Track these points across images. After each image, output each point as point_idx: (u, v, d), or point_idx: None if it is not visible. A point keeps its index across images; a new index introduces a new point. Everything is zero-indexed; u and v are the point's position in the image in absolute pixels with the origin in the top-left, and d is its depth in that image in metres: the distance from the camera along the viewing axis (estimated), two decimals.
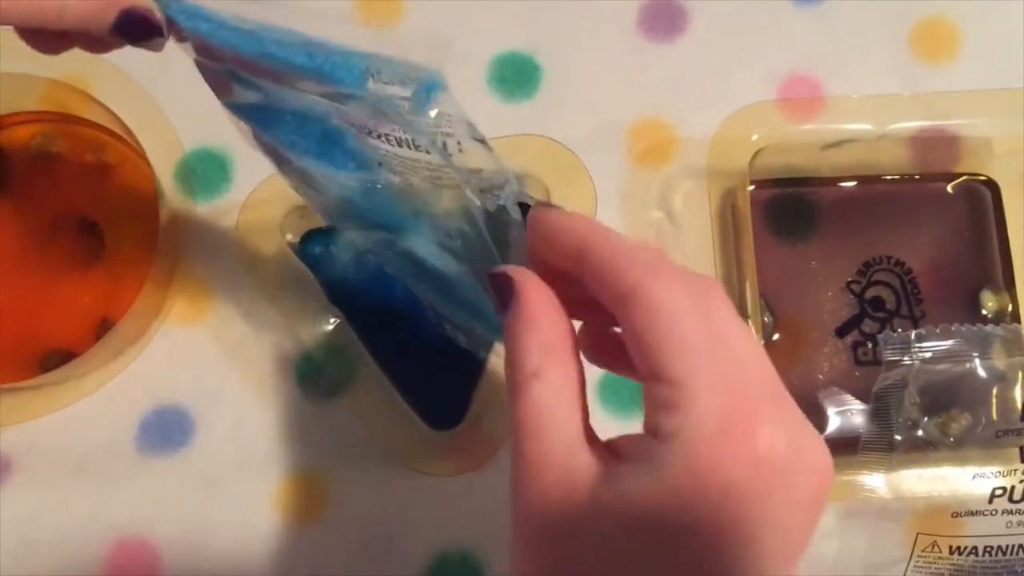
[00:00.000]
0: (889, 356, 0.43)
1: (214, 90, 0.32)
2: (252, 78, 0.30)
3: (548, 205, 0.30)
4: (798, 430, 0.26)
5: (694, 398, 0.25)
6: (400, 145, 0.30)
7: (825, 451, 0.27)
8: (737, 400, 0.25)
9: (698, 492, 0.25)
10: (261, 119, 0.32)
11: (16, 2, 0.28)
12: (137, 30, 0.30)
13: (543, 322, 0.28)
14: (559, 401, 0.27)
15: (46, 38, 0.31)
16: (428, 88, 0.28)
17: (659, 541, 0.25)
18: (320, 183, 0.34)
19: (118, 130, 0.47)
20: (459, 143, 0.29)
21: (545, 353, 0.28)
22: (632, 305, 0.27)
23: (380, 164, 0.31)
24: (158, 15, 0.30)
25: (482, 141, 0.30)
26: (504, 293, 0.29)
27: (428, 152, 0.30)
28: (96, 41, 0.31)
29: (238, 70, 0.30)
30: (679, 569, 0.25)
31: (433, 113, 0.28)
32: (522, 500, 0.27)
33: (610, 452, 0.27)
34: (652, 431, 0.26)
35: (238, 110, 0.33)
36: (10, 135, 0.48)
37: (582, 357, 0.29)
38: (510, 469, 0.29)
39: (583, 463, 0.27)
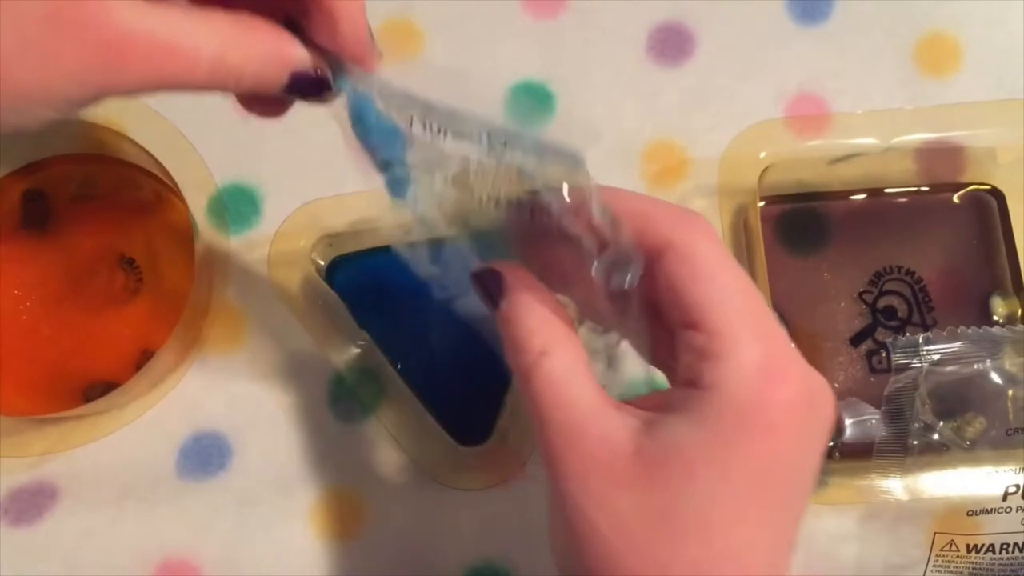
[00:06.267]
0: (899, 360, 0.45)
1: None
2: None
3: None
4: (810, 368, 0.29)
5: (735, 348, 0.27)
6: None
7: (826, 383, 0.29)
8: (771, 346, 0.28)
9: (745, 435, 0.27)
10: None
11: (195, 74, 0.28)
12: (308, 88, 0.30)
13: (542, 306, 0.30)
14: (574, 373, 0.29)
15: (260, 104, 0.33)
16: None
17: (710, 484, 0.27)
18: None
19: (153, 169, 0.49)
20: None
21: (550, 333, 0.29)
22: (668, 257, 0.28)
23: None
24: (325, 72, 0.30)
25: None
26: (493, 288, 0.30)
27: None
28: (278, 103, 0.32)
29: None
30: (730, 511, 0.27)
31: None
32: (563, 470, 0.28)
33: (640, 410, 0.29)
34: (691, 381, 0.28)
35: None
36: (50, 177, 0.50)
37: None
38: (541, 475, 0.30)
39: (617, 422, 0.28)
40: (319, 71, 0.30)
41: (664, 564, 0.27)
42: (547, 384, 0.29)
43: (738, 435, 0.27)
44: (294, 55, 0.29)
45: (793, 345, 0.29)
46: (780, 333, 0.28)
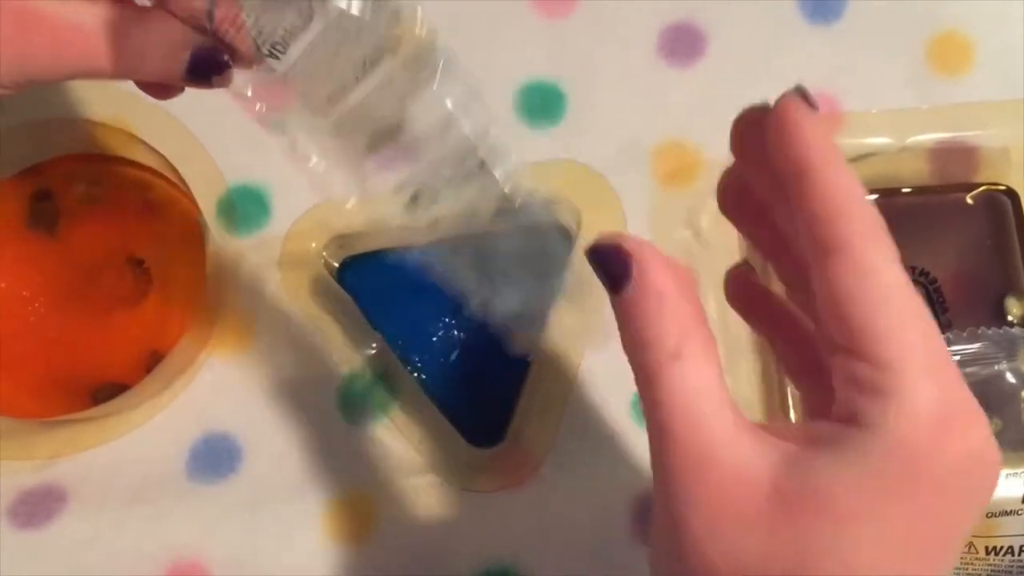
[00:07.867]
0: None
1: None
2: None
3: (803, 97, 0.26)
4: (987, 422, 0.25)
5: (910, 387, 0.23)
6: None
7: (994, 439, 0.25)
8: (950, 392, 0.24)
9: (912, 489, 0.23)
10: None
11: (100, 52, 0.30)
12: (209, 66, 0.31)
13: (676, 293, 0.26)
14: (709, 384, 0.25)
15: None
16: None
17: (861, 539, 0.23)
18: None
19: (163, 169, 0.49)
20: None
21: (685, 330, 0.25)
22: (840, 264, 0.24)
23: None
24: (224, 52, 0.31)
25: None
26: (617, 267, 0.26)
27: None
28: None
29: None
30: (883, 572, 0.24)
31: None
32: (688, 502, 0.25)
33: (778, 439, 0.25)
34: (849, 417, 0.24)
35: None
36: (59, 178, 0.50)
37: None
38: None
39: (753, 454, 0.25)
40: (219, 50, 0.31)
41: None
42: (677, 395, 0.25)
43: (903, 488, 0.23)
44: (192, 36, 0.31)
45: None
46: (960, 378, 0.25)
